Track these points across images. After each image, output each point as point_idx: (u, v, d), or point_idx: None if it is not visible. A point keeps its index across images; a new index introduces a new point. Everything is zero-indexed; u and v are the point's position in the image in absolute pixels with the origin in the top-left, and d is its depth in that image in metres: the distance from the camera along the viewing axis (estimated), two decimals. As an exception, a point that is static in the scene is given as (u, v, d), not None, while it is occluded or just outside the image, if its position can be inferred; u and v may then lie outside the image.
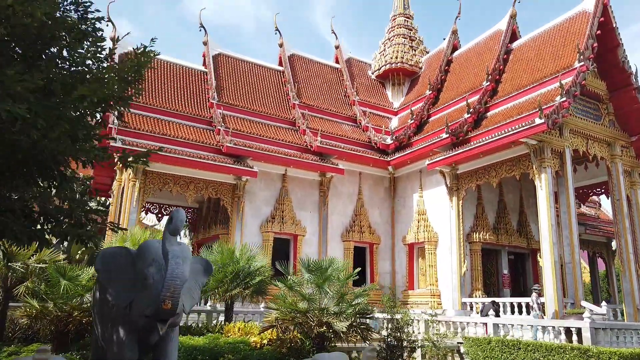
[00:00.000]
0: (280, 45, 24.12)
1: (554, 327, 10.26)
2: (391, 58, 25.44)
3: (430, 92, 22.37)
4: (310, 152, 19.76)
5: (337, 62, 26.08)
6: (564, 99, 15.11)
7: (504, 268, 19.44)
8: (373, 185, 21.66)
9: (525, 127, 15.00)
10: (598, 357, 8.49)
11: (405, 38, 26.64)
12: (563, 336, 10.09)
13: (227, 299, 11.86)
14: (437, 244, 19.15)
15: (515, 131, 15.30)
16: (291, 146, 19.69)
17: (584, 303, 14.58)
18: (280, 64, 23.94)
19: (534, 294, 14.68)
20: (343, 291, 9.68)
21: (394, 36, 26.86)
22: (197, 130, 18.64)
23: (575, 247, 15.24)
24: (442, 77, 23.12)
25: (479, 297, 17.73)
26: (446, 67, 23.48)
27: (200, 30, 22.14)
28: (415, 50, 26.33)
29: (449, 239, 18.50)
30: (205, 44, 21.83)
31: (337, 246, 20.06)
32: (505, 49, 20.65)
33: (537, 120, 14.66)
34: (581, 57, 16.16)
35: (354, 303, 9.58)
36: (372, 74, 26.44)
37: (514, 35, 21.17)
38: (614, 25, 17.10)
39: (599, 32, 16.74)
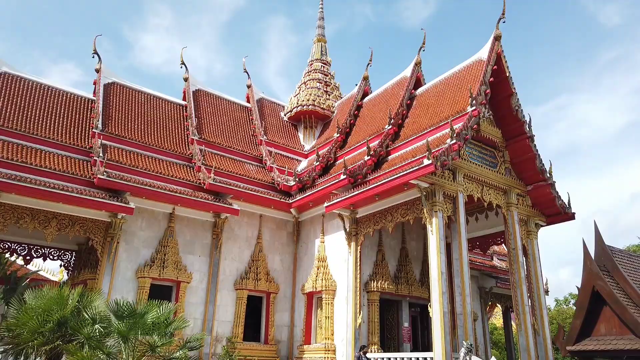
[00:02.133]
0: (185, 80, 23.04)
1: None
2: (304, 100, 24.97)
3: (338, 135, 21.83)
4: (204, 191, 18.28)
5: (248, 101, 25.26)
6: (454, 141, 14.76)
7: (405, 320, 18.30)
8: (275, 229, 20.32)
9: (414, 169, 14.41)
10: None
11: (320, 82, 26.43)
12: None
13: (48, 354, 9.80)
14: (335, 294, 17.84)
15: (404, 172, 14.68)
16: (182, 183, 18.14)
17: (474, 359, 13.55)
18: (184, 98, 22.76)
19: (462, 350, 13.22)
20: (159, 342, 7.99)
21: (309, 80, 26.61)
22: (69, 160, 16.77)
23: (467, 297, 14.40)
24: (351, 121, 22.74)
25: (375, 352, 16.39)
26: (356, 112, 23.20)
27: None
28: (329, 95, 26.09)
29: (346, 288, 17.27)
30: (97, 70, 20.34)
31: (229, 295, 18.26)
32: (409, 95, 20.62)
33: (425, 162, 14.12)
34: (473, 102, 16.09)
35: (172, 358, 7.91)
36: (285, 115, 25.79)
37: (418, 82, 21.27)
38: (508, 75, 17.34)
39: (492, 79, 16.87)
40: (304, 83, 26.70)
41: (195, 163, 19.40)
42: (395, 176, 15.02)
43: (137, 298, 16.00)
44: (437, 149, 14.77)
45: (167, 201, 17.18)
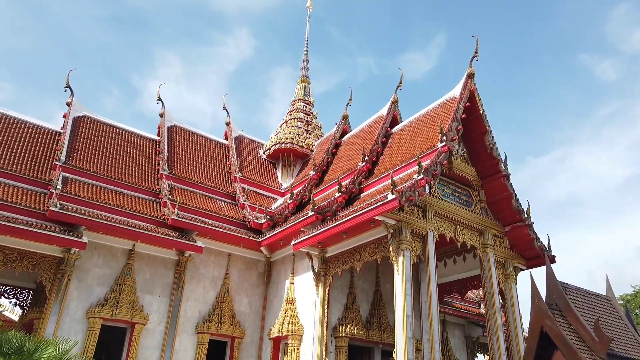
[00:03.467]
0: (161, 115, 22.79)
1: None
2: (283, 138, 24.65)
3: (314, 173, 21.30)
4: (168, 227, 17.53)
5: (226, 138, 24.93)
6: (421, 176, 14.18)
7: (377, 369, 17.05)
8: (244, 269, 19.40)
9: (378, 204, 13.74)
10: None
11: (301, 122, 26.22)
12: None
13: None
14: (302, 339, 16.70)
15: (369, 208, 14.00)
16: (145, 218, 17.41)
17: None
18: (159, 134, 22.43)
19: None
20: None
21: (290, 119, 26.43)
22: (24, 192, 16.14)
23: (435, 342, 13.34)
24: (329, 159, 22.28)
25: (341, 404, 15.12)
26: (334, 150, 22.78)
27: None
28: (310, 134, 25.80)
29: (312, 333, 16.17)
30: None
31: (189, 339, 17.11)
32: (385, 133, 20.24)
33: (390, 197, 13.47)
34: (444, 137, 15.64)
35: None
36: (264, 153, 25.39)
37: (395, 121, 20.95)
38: (481, 112, 16.97)
39: (464, 116, 16.49)
40: (285, 122, 26.50)
41: (162, 198, 18.74)
42: (360, 212, 14.32)
43: (85, 341, 14.92)
44: (403, 185, 14.15)
45: (126, 236, 16.40)
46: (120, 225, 16.05)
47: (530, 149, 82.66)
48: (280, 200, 22.85)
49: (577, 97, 79.79)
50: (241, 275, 19.18)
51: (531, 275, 6.90)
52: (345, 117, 24.13)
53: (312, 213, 16.52)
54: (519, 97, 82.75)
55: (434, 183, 15.84)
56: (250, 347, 18.33)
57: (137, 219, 17.14)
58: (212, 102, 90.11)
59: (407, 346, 12.83)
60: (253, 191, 22.22)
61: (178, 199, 18.38)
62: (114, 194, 18.06)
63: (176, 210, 17.39)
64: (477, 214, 16.75)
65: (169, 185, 19.12)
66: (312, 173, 21.36)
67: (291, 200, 19.92)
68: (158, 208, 18.64)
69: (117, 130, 21.14)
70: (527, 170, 79.47)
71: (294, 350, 16.58)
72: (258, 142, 26.11)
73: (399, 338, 13.11)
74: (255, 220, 19.39)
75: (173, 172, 20.22)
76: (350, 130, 23.89)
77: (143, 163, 20.61)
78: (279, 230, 18.16)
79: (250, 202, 20.53)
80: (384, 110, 21.39)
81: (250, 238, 18.84)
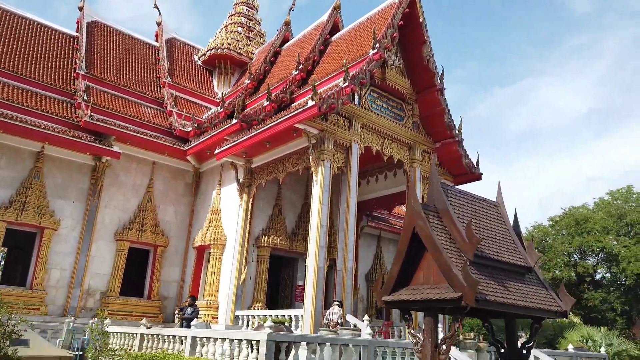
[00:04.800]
0: (80, 9, 20.56)
1: (240, 340, 7.87)
2: (220, 43, 22.97)
3: (250, 81, 20.07)
4: (82, 130, 16.30)
5: (157, 40, 23.03)
6: (346, 84, 13.39)
7: (300, 279, 17.21)
8: (171, 179, 18.63)
9: (298, 111, 12.99)
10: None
11: (242, 27, 24.43)
12: (246, 351, 7.70)
13: None
14: (224, 248, 16.50)
15: (289, 116, 13.26)
16: (56, 119, 16.09)
17: (349, 317, 12.57)
18: (77, 30, 20.34)
19: (336, 306, 12.07)
20: None
21: (230, 24, 24.55)
22: None
23: (348, 252, 13.34)
24: (266, 68, 20.98)
25: (259, 309, 15.27)
26: (272, 59, 21.43)
27: None
28: (251, 41, 24.17)
29: (234, 242, 15.96)
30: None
31: (107, 246, 16.60)
32: (324, 41, 19.02)
33: (310, 103, 12.71)
34: (377, 45, 14.68)
35: None
36: (199, 59, 23.74)
37: (336, 27, 19.71)
38: (421, 21, 15.98)
39: (401, 22, 15.48)
40: (225, 27, 24.61)
41: (77, 100, 17.29)
42: (281, 120, 13.59)
43: (-13, 244, 14.13)
44: (327, 93, 13.36)
45: (33, 138, 15.15)
46: (25, 125, 14.74)
47: (497, 78, 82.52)
48: (213, 110, 21.71)
49: (547, 26, 78.86)
50: (167, 185, 18.46)
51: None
52: (287, 24, 22.55)
53: (237, 121, 15.65)
54: (490, 25, 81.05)
55: (364, 93, 15.13)
56: (174, 256, 18.07)
57: (47, 120, 15.82)
58: (176, 15, 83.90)
59: (318, 254, 12.74)
60: (185, 99, 20.94)
61: (94, 100, 16.98)
62: (21, 92, 16.47)
63: (89, 112, 16.10)
64: (409, 128, 16.32)
65: (85, 85, 17.57)
66: (247, 82, 20.15)
67: (222, 109, 18.87)
68: (73, 110, 17.26)
69: (28, 22, 18.96)
70: (492, 100, 79.81)
71: (217, 258, 16.43)
72: (194, 47, 24.31)
73: (311, 246, 12.99)
74: (181, 129, 18.38)
75: (91, 72, 18.57)
76: (292, 38, 22.45)
77: (58, 61, 18.79)
78: (204, 138, 17.28)
79: (179, 110, 19.35)
80: (324, 17, 19.99)
81: (175, 146, 17.91)
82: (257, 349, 7.42)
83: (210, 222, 17.19)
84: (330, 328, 11.71)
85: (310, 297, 12.32)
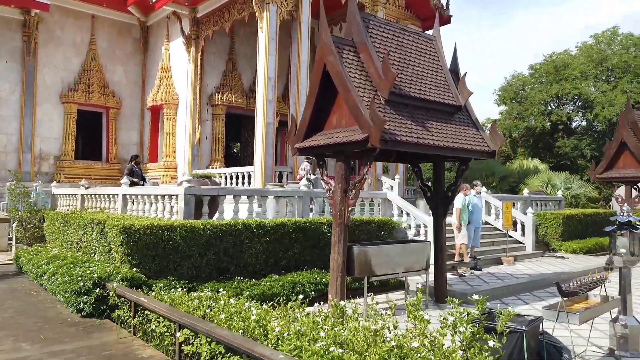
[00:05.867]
0: None
1: (163, 195, 7.60)
2: None
3: None
4: (0, -21, 14.29)
5: None
6: None
7: (261, 136, 16.76)
8: (117, 35, 17.02)
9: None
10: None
11: None
12: (169, 206, 7.45)
13: None
14: (177, 108, 15.73)
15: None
16: (-35, -34, 14.00)
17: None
18: None
19: (305, 162, 11.78)
20: None
21: None
22: None
23: (300, 106, 12.61)
24: None
25: (217, 168, 15.07)
26: None
27: None
28: None
29: (186, 101, 15.13)
30: None
31: (54, 110, 15.73)
32: None
33: None
34: None
35: None
36: None
37: None
38: None
39: None
40: None
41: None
42: (216, -46, 11.77)
43: None
44: None
45: (-58, -12, 13.30)
46: None
47: None
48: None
49: None
50: (112, 42, 16.93)
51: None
52: None
53: (173, -41, 13.68)
54: None
55: None
56: (130, 119, 17.34)
57: (-46, -33, 13.75)
58: None
59: (266, 109, 12.04)
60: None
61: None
62: None
63: (2, -46, 13.93)
64: (371, -35, 14.44)
65: None
66: None
67: (163, -51, 16.47)
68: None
69: None
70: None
71: (170, 119, 15.76)
72: None
73: (258, 101, 12.23)
74: (118, -27, 16.22)
75: None
76: None
77: None
78: (143, -17, 15.35)
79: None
80: None
81: (113, -5, 16.01)
82: (177, 203, 7.14)
83: (161, 81, 16.14)
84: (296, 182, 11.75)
85: (260, 154, 11.95)
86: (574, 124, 28.21)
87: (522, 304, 6.80)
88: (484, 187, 17.01)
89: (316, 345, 2.80)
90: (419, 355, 2.62)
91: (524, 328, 2.90)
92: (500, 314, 3.42)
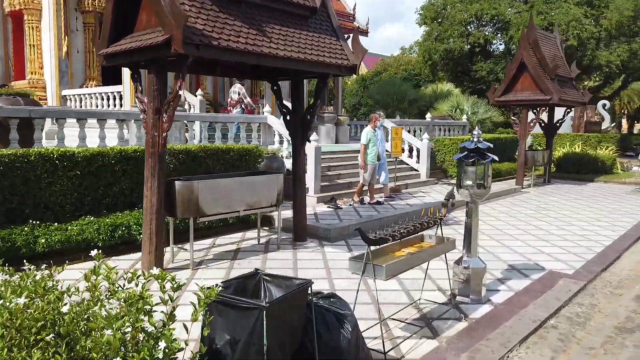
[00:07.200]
0: None
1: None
2: None
3: None
4: None
5: None
6: None
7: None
8: None
9: None
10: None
11: None
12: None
13: None
14: (40, 14, 13.27)
15: None
16: None
17: (188, 94, 10.86)
18: None
19: (237, 84, 10.32)
20: None
21: None
22: None
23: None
24: None
25: (93, 87, 13.14)
26: None
27: None
28: None
29: (49, 6, 12.74)
30: None
31: None
32: None
33: None
34: None
35: None
36: None
37: None
38: None
39: None
40: None
41: None
42: None
43: None
44: None
45: None
46: None
47: None
48: None
49: None
50: None
51: None
52: None
53: None
54: None
55: None
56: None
57: None
58: None
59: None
60: None
61: None
62: None
63: None
64: None
65: None
66: None
67: None
68: None
69: None
70: None
71: (33, 28, 13.33)
72: None
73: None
74: None
75: None
76: None
77: None
78: None
79: None
80: None
81: None
82: None
83: (20, -18, 13.44)
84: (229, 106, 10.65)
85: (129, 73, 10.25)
86: (492, 47, 27.90)
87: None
88: (398, 113, 16.37)
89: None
90: None
91: (264, 304, 2.05)
92: (267, 276, 2.55)
